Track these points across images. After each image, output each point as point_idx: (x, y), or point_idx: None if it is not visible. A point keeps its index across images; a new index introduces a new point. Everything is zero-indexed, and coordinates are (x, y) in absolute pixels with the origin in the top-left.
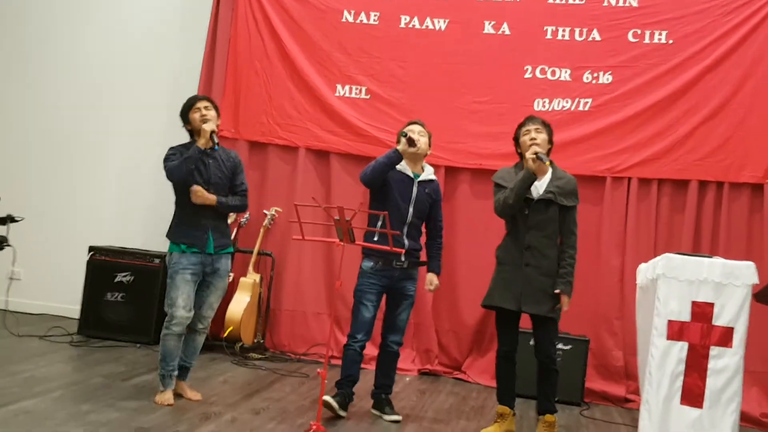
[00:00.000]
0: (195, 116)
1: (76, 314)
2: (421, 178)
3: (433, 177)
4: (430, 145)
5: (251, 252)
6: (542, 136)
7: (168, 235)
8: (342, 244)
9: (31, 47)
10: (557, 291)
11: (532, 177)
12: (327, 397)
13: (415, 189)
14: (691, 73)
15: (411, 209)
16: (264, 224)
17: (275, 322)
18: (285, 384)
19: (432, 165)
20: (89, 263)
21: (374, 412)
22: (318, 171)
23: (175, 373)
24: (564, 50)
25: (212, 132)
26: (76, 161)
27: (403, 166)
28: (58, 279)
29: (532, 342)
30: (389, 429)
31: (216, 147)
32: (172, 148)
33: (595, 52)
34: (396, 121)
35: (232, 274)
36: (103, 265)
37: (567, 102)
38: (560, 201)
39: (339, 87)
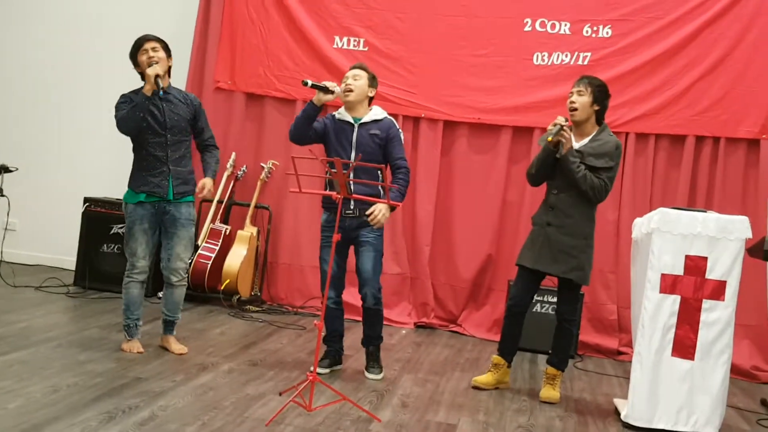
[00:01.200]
0: (143, 59)
1: (72, 265)
2: (362, 121)
3: (379, 116)
4: (374, 87)
5: (248, 205)
6: (582, 99)
7: (129, 183)
8: (339, 196)
9: None
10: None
11: (550, 149)
12: (320, 370)
13: (355, 134)
14: (689, 28)
15: (353, 154)
16: (261, 177)
17: (272, 275)
18: (282, 336)
19: (430, 119)
20: (84, 215)
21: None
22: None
23: (140, 322)
24: (564, 3)
25: (156, 76)
26: (70, 112)
27: (342, 113)
28: (53, 230)
29: (539, 297)
30: (384, 380)
31: (160, 93)
32: (123, 96)
33: (594, 6)
34: (393, 73)
35: (229, 228)
36: (99, 216)
37: (566, 56)
38: (589, 161)
39: (337, 39)
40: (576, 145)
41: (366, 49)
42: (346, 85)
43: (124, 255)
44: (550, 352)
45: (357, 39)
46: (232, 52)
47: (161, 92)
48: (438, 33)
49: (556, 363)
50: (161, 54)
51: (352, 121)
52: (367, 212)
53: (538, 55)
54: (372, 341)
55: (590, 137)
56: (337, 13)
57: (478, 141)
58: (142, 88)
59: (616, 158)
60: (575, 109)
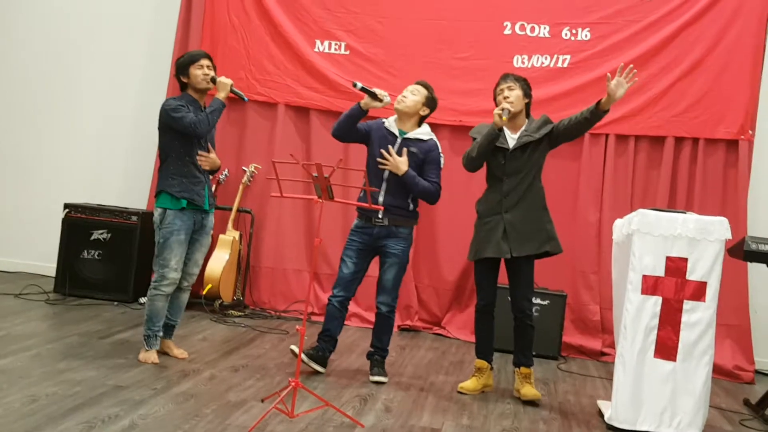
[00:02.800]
0: (197, 72)
1: (52, 272)
2: (407, 135)
3: (424, 137)
4: (430, 108)
5: (230, 209)
6: (515, 93)
7: (165, 187)
8: (321, 201)
9: None
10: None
11: (496, 132)
12: (293, 347)
13: (396, 146)
14: (668, 30)
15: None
16: (243, 181)
17: (255, 279)
18: (264, 341)
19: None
20: (65, 221)
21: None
22: (298, 127)
23: (161, 333)
24: (543, 6)
25: (231, 85)
26: (50, 117)
27: (390, 123)
28: (33, 237)
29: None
30: (366, 386)
31: (245, 99)
32: (174, 100)
33: (573, 9)
34: (375, 77)
35: (218, 233)
36: (79, 222)
37: (546, 58)
38: (533, 137)
39: (318, 43)
40: (514, 137)
41: (347, 52)
42: (402, 95)
43: (104, 261)
44: (514, 352)
45: (338, 43)
46: (213, 56)
47: (245, 98)
48: (419, 36)
49: (525, 362)
50: (213, 73)
51: (397, 133)
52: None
53: (518, 58)
54: (379, 352)
55: (523, 127)
56: (318, 17)
57: (459, 143)
58: (184, 95)
59: (551, 121)
60: (511, 102)
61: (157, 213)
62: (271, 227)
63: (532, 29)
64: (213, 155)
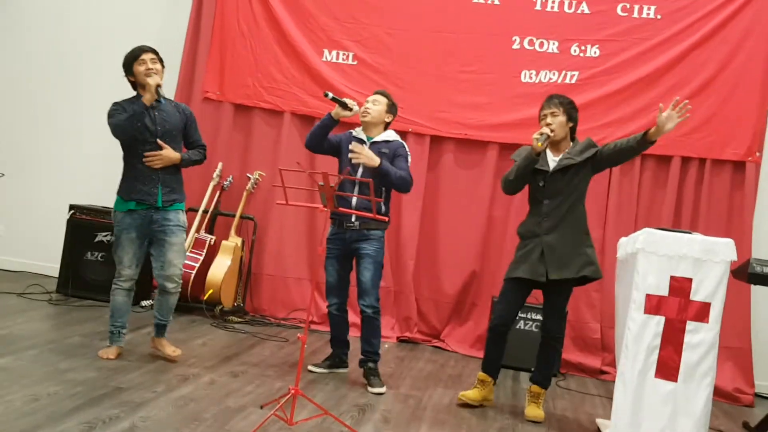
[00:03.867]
0: (140, 69)
1: (56, 273)
2: (374, 140)
3: (391, 138)
4: (393, 114)
5: (233, 215)
6: (558, 120)
7: (118, 191)
8: (326, 209)
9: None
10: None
11: (534, 157)
12: (311, 367)
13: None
14: (678, 49)
15: (360, 169)
16: (247, 188)
17: (256, 286)
18: (264, 348)
19: (417, 134)
20: (69, 222)
21: (363, 380)
22: (303, 136)
23: (124, 330)
24: (552, 22)
25: (157, 86)
26: (56, 118)
27: (358, 132)
28: (37, 237)
29: (521, 314)
30: (364, 396)
31: (162, 101)
32: (115, 104)
33: (583, 25)
34: (381, 87)
35: (214, 238)
36: (84, 224)
37: (554, 74)
38: (575, 160)
39: (326, 52)
40: (555, 159)
41: (355, 63)
42: (365, 108)
43: (108, 263)
44: (533, 369)
45: (346, 53)
46: (222, 63)
47: (162, 100)
48: (427, 49)
49: (540, 381)
50: (158, 66)
51: (365, 139)
52: (353, 149)
53: (525, 73)
54: (371, 357)
55: (566, 150)
56: (326, 27)
57: (464, 156)
58: (135, 97)
59: (595, 145)
60: (553, 131)
61: (112, 213)
62: (274, 235)
63: (541, 44)
64: (164, 151)
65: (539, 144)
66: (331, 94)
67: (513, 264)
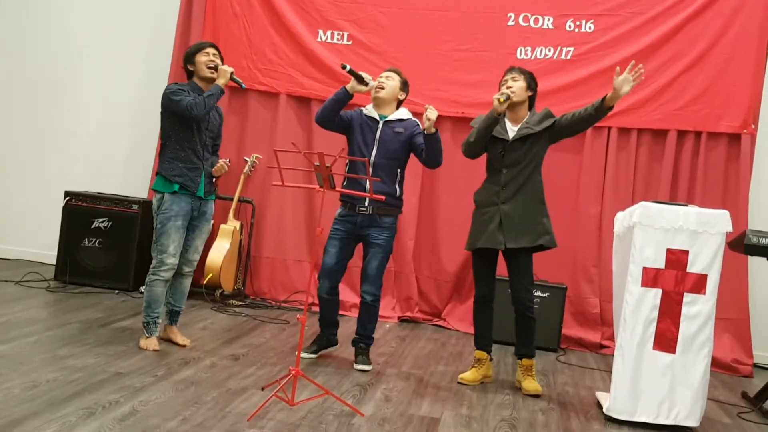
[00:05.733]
0: (202, 59)
1: (53, 260)
2: (388, 118)
3: (405, 116)
4: (405, 92)
5: (231, 199)
6: (518, 84)
7: (161, 170)
8: (322, 190)
9: None
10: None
11: (495, 118)
12: (304, 354)
13: (379, 131)
14: (672, 23)
15: (375, 150)
16: (244, 171)
17: (256, 269)
18: (265, 330)
19: (414, 113)
20: (65, 209)
21: (352, 358)
22: (299, 117)
23: (160, 320)
24: None
25: (232, 72)
26: (51, 104)
27: (369, 110)
28: (34, 224)
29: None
30: (365, 375)
31: (243, 86)
32: (176, 85)
33: (577, 1)
34: (377, 67)
35: (219, 223)
36: (80, 210)
37: (549, 50)
38: (533, 129)
39: (321, 32)
40: (514, 128)
41: (350, 42)
42: (379, 82)
43: (105, 249)
44: (515, 344)
45: (341, 33)
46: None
47: (243, 86)
48: (421, 27)
49: (525, 353)
50: (218, 61)
51: (377, 117)
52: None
53: (521, 50)
54: (363, 340)
55: (525, 120)
56: (320, 7)
57: (461, 135)
58: (191, 86)
59: (553, 115)
60: (513, 92)
61: (155, 198)
62: (272, 217)
63: (536, 21)
64: (221, 163)
65: (501, 100)
66: (348, 67)
67: (472, 234)
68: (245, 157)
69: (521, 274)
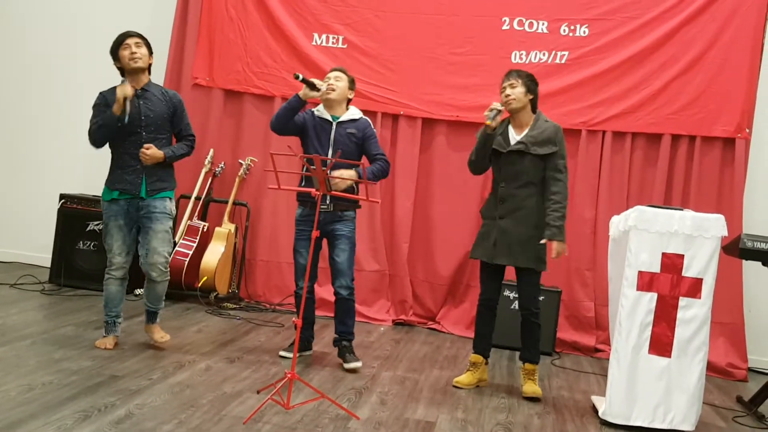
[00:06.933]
0: (125, 53)
1: (48, 263)
2: (340, 119)
3: (356, 116)
4: (352, 90)
5: (226, 202)
6: (517, 90)
7: (106, 182)
8: (318, 193)
9: None
10: (543, 240)
11: (487, 134)
12: (282, 352)
13: (333, 131)
14: (666, 27)
15: (330, 151)
16: (239, 174)
17: (250, 272)
18: (260, 333)
19: (409, 117)
20: (60, 211)
21: (339, 359)
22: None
23: (119, 320)
24: (541, 2)
25: (125, 99)
26: (45, 107)
27: (321, 111)
28: (28, 227)
29: (514, 294)
30: (361, 379)
31: (125, 119)
32: (100, 94)
33: (572, 5)
34: (372, 71)
35: (207, 224)
36: (75, 213)
37: (544, 54)
38: (533, 150)
39: (316, 36)
40: (517, 137)
41: (345, 46)
42: (329, 84)
43: (100, 252)
44: (521, 348)
45: (336, 36)
46: (211, 49)
47: (126, 118)
48: (417, 31)
49: (530, 358)
50: (144, 50)
51: (330, 119)
52: (334, 173)
53: (516, 54)
54: (344, 337)
55: (529, 127)
56: (316, 11)
57: (456, 138)
58: (121, 83)
59: (560, 142)
60: (513, 100)
61: (101, 203)
62: (267, 220)
63: (531, 25)
64: (151, 151)
65: (489, 121)
66: (301, 76)
67: (474, 244)
68: (240, 160)
69: (527, 284)
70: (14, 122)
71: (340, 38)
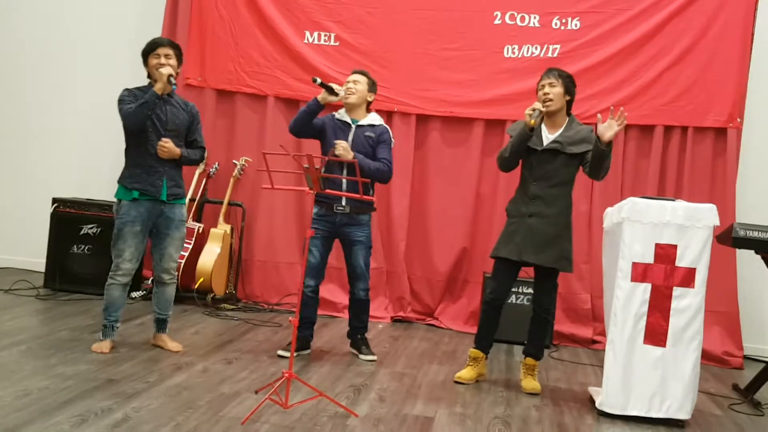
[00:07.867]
0: (153, 62)
1: (42, 268)
2: (360, 123)
3: (376, 122)
4: (373, 92)
5: (221, 203)
6: (556, 90)
7: (120, 180)
8: (312, 192)
9: None
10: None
11: (527, 133)
12: (280, 352)
13: (351, 134)
14: (657, 19)
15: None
16: (234, 174)
17: (247, 272)
18: (257, 334)
19: (403, 113)
20: (53, 215)
21: (352, 350)
22: (288, 119)
23: (117, 324)
24: None
25: (169, 76)
26: (38, 111)
27: (342, 114)
28: (22, 232)
29: (514, 289)
30: (359, 376)
31: (174, 88)
32: (127, 90)
33: None
34: (365, 68)
35: (202, 226)
36: (68, 217)
37: (536, 48)
38: (568, 150)
39: (307, 34)
40: (551, 136)
41: (337, 44)
42: (348, 87)
43: (94, 256)
44: (525, 342)
45: (327, 34)
46: (202, 49)
47: (174, 87)
48: (408, 27)
49: (533, 353)
50: (173, 62)
51: (350, 122)
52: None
53: (508, 48)
54: (359, 330)
55: (563, 127)
56: (307, 8)
57: (450, 134)
58: (147, 85)
59: (594, 141)
60: (551, 100)
61: (115, 204)
62: (263, 220)
63: (522, 19)
64: (169, 144)
65: (531, 121)
66: (319, 80)
67: (498, 242)
68: (234, 161)
69: (549, 283)
70: (6, 126)
71: (332, 36)
